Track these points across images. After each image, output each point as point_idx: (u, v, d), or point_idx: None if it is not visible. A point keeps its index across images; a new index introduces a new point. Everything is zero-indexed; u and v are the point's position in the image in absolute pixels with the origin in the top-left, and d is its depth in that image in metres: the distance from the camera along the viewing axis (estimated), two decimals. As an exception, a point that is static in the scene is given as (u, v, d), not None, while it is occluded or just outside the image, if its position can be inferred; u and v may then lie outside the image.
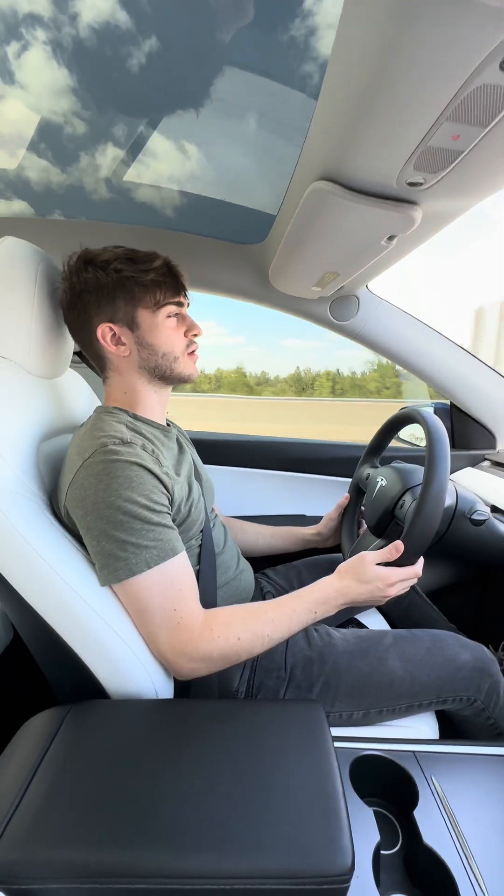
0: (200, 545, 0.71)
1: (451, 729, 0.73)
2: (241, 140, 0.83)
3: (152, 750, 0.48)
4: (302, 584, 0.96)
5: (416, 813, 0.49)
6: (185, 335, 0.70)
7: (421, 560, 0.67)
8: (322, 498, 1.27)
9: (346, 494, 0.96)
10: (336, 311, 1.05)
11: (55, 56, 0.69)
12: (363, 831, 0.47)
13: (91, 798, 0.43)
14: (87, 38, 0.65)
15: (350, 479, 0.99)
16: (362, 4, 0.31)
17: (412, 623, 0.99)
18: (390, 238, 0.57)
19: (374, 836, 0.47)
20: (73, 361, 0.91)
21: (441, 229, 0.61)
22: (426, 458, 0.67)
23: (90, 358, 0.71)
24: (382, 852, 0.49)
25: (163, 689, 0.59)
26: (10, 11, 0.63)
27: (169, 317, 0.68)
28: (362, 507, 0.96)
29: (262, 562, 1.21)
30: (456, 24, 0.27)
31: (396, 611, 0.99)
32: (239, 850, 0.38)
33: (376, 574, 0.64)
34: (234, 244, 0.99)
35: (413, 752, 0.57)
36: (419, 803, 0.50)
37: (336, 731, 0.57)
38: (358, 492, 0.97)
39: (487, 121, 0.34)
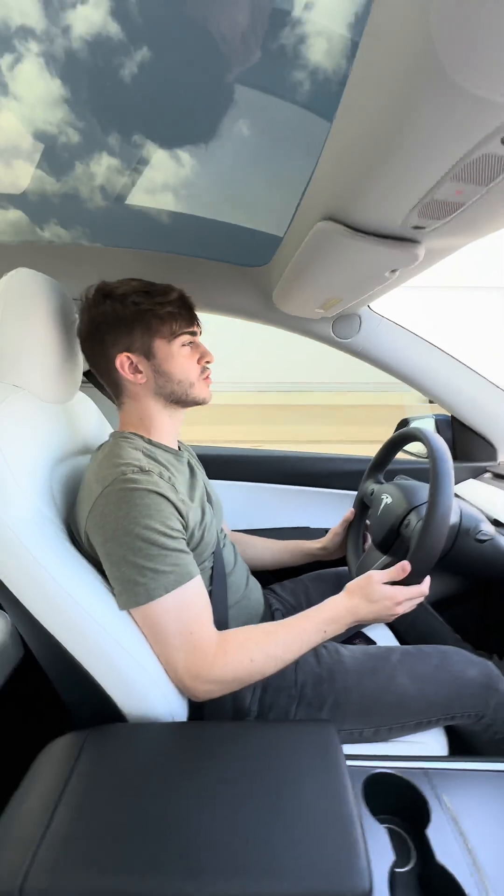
0: (213, 567, 0.73)
1: (460, 743, 0.74)
2: (245, 159, 0.85)
3: (171, 774, 0.50)
4: (309, 599, 0.99)
5: (429, 831, 0.50)
6: (198, 362, 0.73)
7: (427, 579, 0.68)
8: (326, 511, 1.29)
9: (352, 509, 0.98)
10: (338, 329, 1.07)
11: (48, 68, 0.69)
12: (378, 850, 0.48)
13: (115, 825, 0.44)
14: (79, 50, 0.64)
15: (353, 492, 1.00)
16: (368, 81, 0.33)
17: (418, 634, 1.00)
18: (393, 271, 0.60)
19: (389, 856, 0.48)
20: (81, 382, 0.93)
21: (443, 258, 0.63)
22: (430, 478, 0.68)
23: (107, 385, 0.73)
24: (396, 870, 0.51)
25: (178, 711, 0.61)
26: (2, 25, 0.64)
27: (183, 345, 0.71)
28: (367, 522, 0.98)
29: (268, 577, 1.22)
30: (456, 108, 0.29)
31: (402, 623, 1.01)
32: (259, 874, 0.40)
33: (384, 593, 0.66)
34: (238, 267, 1.01)
35: (424, 769, 0.58)
36: (431, 821, 0.51)
37: (347, 749, 0.59)
38: (363, 507, 0.98)
39: (489, 180, 0.37)
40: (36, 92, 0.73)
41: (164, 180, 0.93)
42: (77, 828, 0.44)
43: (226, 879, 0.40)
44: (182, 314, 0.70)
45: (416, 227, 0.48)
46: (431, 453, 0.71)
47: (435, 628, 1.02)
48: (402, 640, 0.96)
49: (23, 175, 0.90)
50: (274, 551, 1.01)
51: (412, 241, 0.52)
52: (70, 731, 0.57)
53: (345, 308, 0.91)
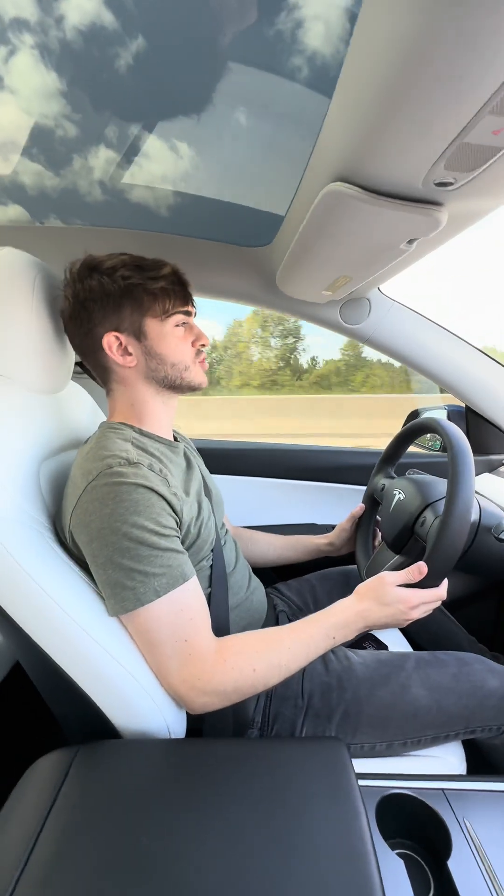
0: (211, 566, 0.68)
1: (478, 757, 0.69)
2: (244, 139, 0.80)
3: (166, 799, 0.45)
4: (315, 599, 0.94)
5: (451, 863, 0.46)
6: (192, 344, 0.67)
7: (445, 582, 0.63)
8: (333, 506, 1.24)
9: (361, 504, 0.92)
10: (346, 314, 1.01)
11: (43, 60, 0.66)
12: (394, 884, 0.44)
13: (101, 858, 0.40)
14: (74, 41, 0.63)
15: (362, 487, 0.95)
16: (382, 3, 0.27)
17: (431, 636, 0.95)
18: (410, 241, 0.53)
19: (406, 890, 0.44)
20: (74, 372, 0.88)
21: (465, 229, 0.57)
22: (449, 473, 0.63)
23: (93, 369, 0.68)
24: (415, 903, 0.46)
25: (175, 726, 0.56)
26: (-3, 17, 0.61)
27: (177, 326, 0.65)
28: (378, 519, 0.92)
29: (272, 576, 1.17)
30: (500, 12, 0.23)
31: (415, 625, 0.95)
32: (264, 922, 0.35)
33: (398, 597, 0.60)
34: (239, 247, 0.95)
35: (442, 789, 0.53)
36: (453, 851, 0.47)
37: (358, 765, 0.54)
38: (373, 503, 0.93)
39: None
40: (31, 84, 0.70)
41: (162, 172, 0.88)
42: (58, 862, 0.39)
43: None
44: (176, 291, 0.64)
45: (441, 185, 0.42)
46: (450, 445, 0.65)
47: (449, 630, 0.97)
48: (413, 643, 0.91)
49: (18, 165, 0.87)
50: (278, 547, 0.96)
51: (434, 204, 0.46)
52: (61, 746, 0.52)
53: (353, 290, 0.84)
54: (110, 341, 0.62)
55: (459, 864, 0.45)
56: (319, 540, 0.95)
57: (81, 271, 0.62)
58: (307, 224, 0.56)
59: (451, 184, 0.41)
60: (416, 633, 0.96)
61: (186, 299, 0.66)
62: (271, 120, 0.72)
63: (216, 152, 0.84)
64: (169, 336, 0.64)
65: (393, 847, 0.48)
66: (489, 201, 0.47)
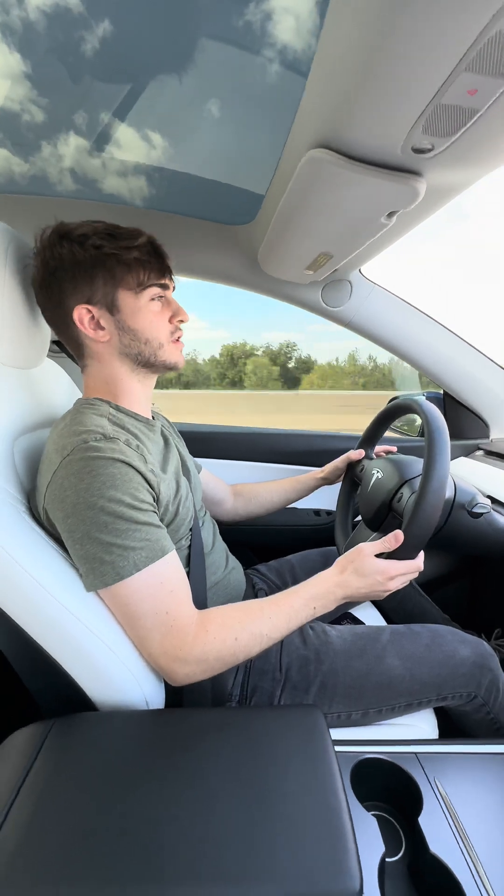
0: (189, 546, 0.68)
1: (450, 724, 0.72)
2: (223, 115, 0.78)
3: (143, 768, 0.45)
4: (295, 578, 0.95)
5: (422, 820, 0.47)
6: (170, 321, 0.65)
7: (421, 554, 0.64)
8: (317, 491, 1.25)
9: (361, 451, 0.92)
10: (328, 296, 1.01)
11: (5, 40, 0.64)
12: (367, 841, 0.45)
13: (77, 827, 0.39)
14: (37, 21, 0.61)
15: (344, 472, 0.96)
16: None
17: (406, 615, 0.98)
18: (390, 215, 0.53)
19: (379, 847, 0.45)
20: (51, 351, 0.85)
21: (442, 206, 0.58)
22: (426, 449, 0.64)
23: (66, 343, 0.65)
24: (387, 860, 0.47)
25: (153, 698, 0.56)
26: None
27: (153, 300, 0.63)
28: (356, 501, 0.94)
29: (252, 556, 1.18)
30: None
31: (391, 603, 0.98)
32: (240, 879, 0.36)
33: (376, 567, 0.61)
34: (220, 225, 0.93)
35: (415, 753, 0.55)
36: (424, 809, 0.48)
37: (335, 733, 0.55)
38: (352, 484, 0.94)
39: None
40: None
41: (140, 148, 0.87)
42: (34, 832, 0.39)
43: (203, 887, 0.35)
44: (151, 262, 0.61)
45: (419, 151, 0.42)
46: (426, 421, 0.66)
47: (424, 608, 0.99)
48: (389, 621, 0.94)
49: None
50: (279, 493, 0.99)
51: (413, 174, 0.46)
52: (36, 721, 0.52)
53: (335, 269, 0.84)
54: (81, 314, 0.60)
55: (430, 821, 0.47)
56: (315, 475, 0.98)
57: (52, 238, 0.59)
58: (289, 194, 0.56)
59: (429, 150, 0.41)
60: (393, 610, 0.98)
61: (163, 271, 0.64)
62: (251, 95, 0.71)
63: (197, 127, 0.83)
64: (144, 310, 0.62)
65: (368, 809, 0.50)
66: (466, 173, 0.47)
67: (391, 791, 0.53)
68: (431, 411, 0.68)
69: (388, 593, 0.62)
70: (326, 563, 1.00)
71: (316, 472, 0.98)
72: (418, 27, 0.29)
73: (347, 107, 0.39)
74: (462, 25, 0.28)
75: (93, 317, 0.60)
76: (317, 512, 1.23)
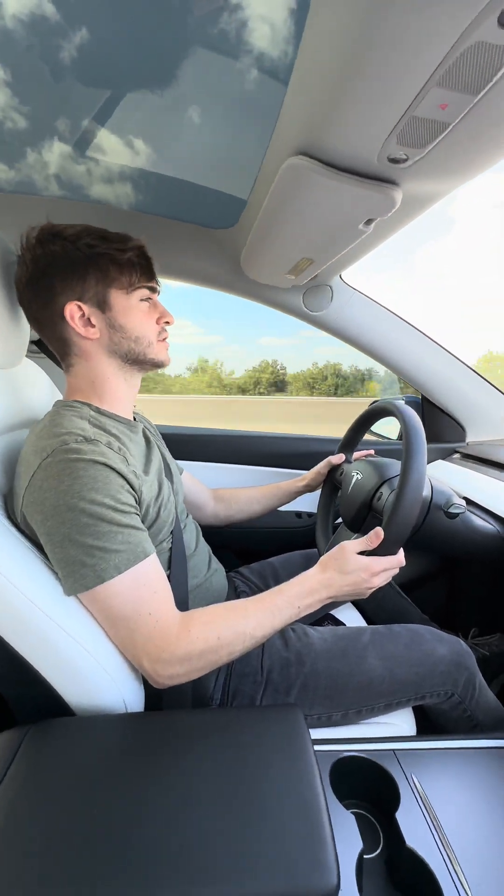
0: (171, 548, 0.67)
1: (428, 722, 0.73)
2: (206, 121, 0.79)
3: (123, 772, 0.45)
4: (277, 581, 0.95)
5: (399, 815, 0.48)
6: (157, 322, 0.66)
7: (402, 550, 0.66)
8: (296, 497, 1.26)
9: (340, 455, 0.94)
10: (309, 301, 1.02)
11: None
12: (345, 838, 0.45)
13: (54, 833, 0.39)
14: (14, 30, 0.61)
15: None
16: None
17: (387, 615, 0.99)
18: (368, 222, 0.55)
19: (357, 843, 0.46)
20: (30, 351, 0.84)
21: (418, 215, 0.59)
22: (403, 448, 0.65)
23: (50, 342, 0.65)
24: (365, 856, 0.48)
25: (133, 701, 0.55)
26: None
27: (142, 300, 0.64)
28: (337, 505, 0.95)
29: (235, 560, 1.18)
30: None
31: (371, 603, 0.99)
32: (220, 878, 0.36)
33: (359, 564, 0.62)
34: (203, 228, 0.94)
35: (393, 750, 0.56)
36: (401, 804, 0.49)
37: (315, 733, 0.56)
38: (332, 488, 0.95)
39: (480, 86, 0.32)
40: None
41: (122, 152, 0.87)
42: (8, 840, 0.38)
43: (183, 886, 0.35)
44: (142, 265, 0.63)
45: (394, 161, 0.43)
46: (403, 423, 0.68)
47: (404, 609, 1.01)
48: (370, 622, 0.94)
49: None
50: (260, 500, 0.99)
51: (389, 183, 0.47)
52: (10, 727, 0.50)
53: (315, 275, 0.86)
54: (72, 311, 0.60)
55: (407, 816, 0.48)
56: (298, 483, 0.98)
57: (43, 236, 0.60)
58: (270, 199, 0.57)
59: (404, 160, 0.43)
60: (373, 611, 0.99)
61: (152, 275, 0.65)
62: (234, 100, 0.72)
63: (178, 133, 0.83)
64: (134, 309, 0.63)
65: (347, 807, 0.50)
66: (441, 183, 0.49)
67: (370, 788, 0.54)
68: (408, 413, 0.69)
69: (371, 590, 0.63)
70: (309, 564, 1.00)
71: (297, 481, 0.98)
72: (393, 41, 0.31)
73: (325, 115, 0.40)
74: (433, 42, 0.29)
75: (83, 314, 0.61)
76: (299, 514, 1.24)
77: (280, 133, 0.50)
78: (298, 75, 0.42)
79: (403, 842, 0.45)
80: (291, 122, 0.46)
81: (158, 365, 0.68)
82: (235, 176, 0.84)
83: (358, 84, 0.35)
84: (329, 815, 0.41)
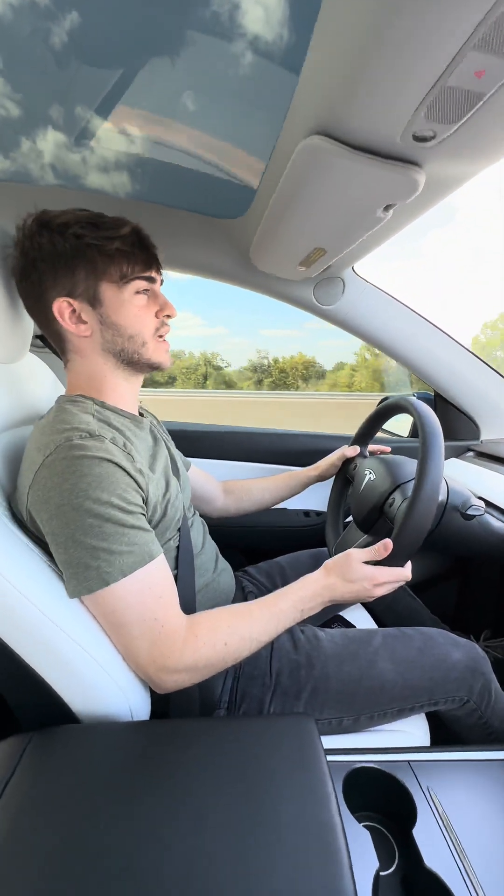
0: (178, 546, 0.65)
1: (442, 729, 0.71)
2: (213, 106, 0.76)
3: (128, 784, 0.43)
4: (285, 580, 0.93)
5: (416, 832, 0.46)
6: (156, 315, 0.62)
7: (409, 563, 0.63)
8: (307, 491, 1.23)
9: (355, 447, 0.91)
10: (320, 294, 0.99)
11: None
12: (360, 855, 0.44)
13: (56, 849, 0.37)
14: (3, 14, 0.58)
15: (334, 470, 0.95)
16: None
17: (396, 616, 0.97)
18: (386, 208, 0.52)
19: (373, 861, 0.44)
20: (35, 346, 0.82)
21: (439, 201, 0.56)
22: (419, 453, 0.63)
23: (49, 338, 0.63)
24: (381, 874, 0.46)
25: (139, 708, 0.54)
26: None
27: (138, 293, 0.60)
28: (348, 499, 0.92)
29: (242, 559, 1.16)
30: None
31: (380, 605, 0.97)
32: (229, 902, 0.34)
33: (363, 574, 0.60)
34: (211, 218, 0.91)
35: (407, 760, 0.54)
36: (418, 820, 0.47)
37: (326, 741, 0.54)
38: (344, 482, 0.93)
39: None
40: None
41: (127, 140, 0.84)
42: (9, 855, 0.36)
43: (186, 909, 0.33)
44: (136, 254, 0.58)
45: (420, 140, 0.40)
46: (421, 425, 0.65)
47: (414, 610, 0.98)
48: (379, 623, 0.92)
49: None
50: (272, 490, 0.97)
51: (412, 164, 0.44)
52: (14, 734, 0.49)
53: (328, 266, 0.83)
54: (61, 307, 0.57)
55: (424, 832, 0.46)
56: (310, 472, 0.95)
57: (32, 226, 0.56)
58: (283, 184, 0.54)
59: (430, 138, 0.40)
60: (382, 612, 0.97)
61: (149, 263, 0.60)
62: (242, 83, 0.69)
63: (185, 120, 0.80)
64: (128, 304, 0.59)
65: (360, 820, 0.48)
66: (466, 165, 0.46)
67: (384, 800, 0.52)
68: (426, 414, 0.66)
69: (373, 599, 0.62)
70: (316, 564, 0.98)
71: (309, 470, 0.96)
72: (423, 4, 0.28)
73: (346, 91, 0.37)
74: (471, 1, 0.26)
75: (74, 310, 0.58)
76: (306, 513, 1.21)
77: (295, 112, 0.47)
78: (317, 47, 0.39)
79: (422, 861, 0.43)
80: (307, 101, 0.43)
81: (155, 367, 0.64)
82: (245, 163, 0.81)
83: (385, 52, 0.32)
84: (346, 836, 0.39)
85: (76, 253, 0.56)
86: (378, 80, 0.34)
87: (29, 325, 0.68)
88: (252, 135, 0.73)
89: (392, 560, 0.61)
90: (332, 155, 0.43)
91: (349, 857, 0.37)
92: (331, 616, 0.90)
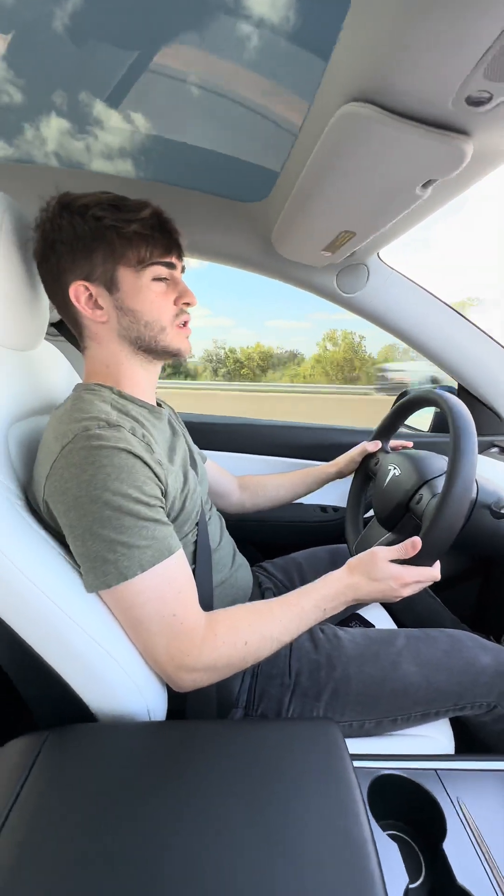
0: (195, 541, 0.64)
1: (466, 735, 0.68)
2: (237, 86, 0.72)
3: (146, 788, 0.41)
4: (302, 577, 0.91)
5: (446, 846, 0.44)
6: (175, 303, 0.60)
7: (437, 562, 0.60)
8: (325, 486, 1.21)
9: (376, 442, 0.87)
10: (343, 282, 0.95)
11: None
12: (389, 869, 0.41)
13: (73, 853, 0.36)
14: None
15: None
16: None
17: (415, 616, 0.94)
18: (426, 185, 0.48)
19: (402, 876, 0.42)
20: (49, 334, 0.80)
21: (479, 179, 0.52)
22: (451, 448, 0.60)
23: (67, 323, 0.61)
24: (409, 886, 0.44)
25: (156, 707, 0.52)
26: None
27: (156, 279, 0.57)
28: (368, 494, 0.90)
29: (258, 554, 1.14)
30: None
31: (399, 603, 0.94)
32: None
33: (390, 573, 0.58)
34: (231, 201, 0.87)
35: (434, 769, 0.51)
36: (448, 833, 0.45)
37: (348, 745, 0.52)
38: (365, 478, 0.90)
39: None
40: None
41: (145, 120, 0.81)
42: (26, 859, 0.35)
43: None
44: (156, 238, 0.56)
45: (475, 103, 0.36)
46: (452, 419, 0.62)
47: (433, 610, 0.96)
48: (398, 622, 0.90)
49: None
50: (287, 487, 0.94)
51: (461, 133, 0.41)
52: (30, 731, 0.48)
53: (352, 253, 0.79)
54: (78, 292, 0.55)
55: (455, 847, 0.43)
56: (328, 468, 0.92)
57: (54, 209, 0.55)
58: (314, 159, 0.50)
59: (486, 100, 0.36)
60: (401, 611, 0.95)
61: (169, 248, 0.58)
62: (269, 58, 0.65)
63: (206, 100, 0.77)
64: (145, 290, 0.56)
65: (383, 829, 0.46)
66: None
67: (409, 810, 0.49)
68: (458, 408, 0.63)
69: (398, 599, 0.59)
70: (334, 561, 0.97)
71: (327, 466, 0.93)
72: None
73: (395, 49, 0.34)
74: None
75: (90, 295, 0.56)
76: (323, 508, 1.19)
77: (332, 79, 0.44)
78: (359, 4, 0.35)
79: (454, 879, 0.41)
80: (346, 65, 0.40)
81: (174, 355, 0.61)
82: (269, 142, 0.77)
83: (442, 2, 0.28)
84: (377, 850, 0.37)
85: (95, 235, 0.54)
86: (436, 33, 0.31)
87: (45, 313, 0.66)
88: (278, 111, 0.69)
89: (420, 559, 0.58)
90: (374, 123, 0.39)
91: (381, 872, 0.35)
92: (348, 614, 0.87)
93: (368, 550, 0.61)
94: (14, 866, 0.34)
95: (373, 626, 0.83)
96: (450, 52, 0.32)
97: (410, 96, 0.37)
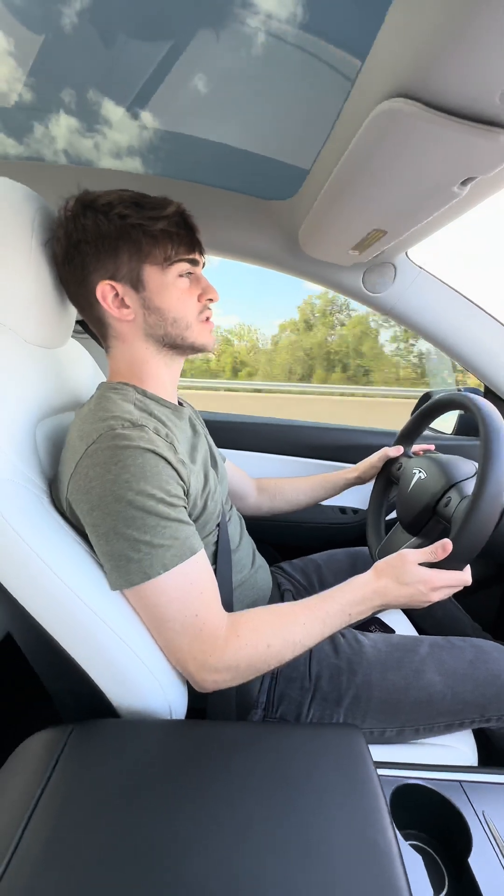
0: (216, 542, 0.64)
1: (489, 746, 0.67)
2: (266, 85, 0.71)
3: (168, 785, 0.41)
4: (321, 579, 0.90)
5: (472, 861, 0.43)
6: (198, 299, 0.60)
7: (468, 566, 0.59)
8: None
9: (398, 447, 0.86)
10: (369, 281, 0.94)
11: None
12: (414, 882, 0.41)
13: (96, 851, 0.36)
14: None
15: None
16: None
17: (435, 622, 0.93)
18: (465, 182, 0.47)
19: (427, 889, 0.41)
20: (75, 331, 0.81)
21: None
22: (481, 451, 0.58)
23: (90, 323, 0.61)
24: (431, 899, 0.43)
25: (177, 705, 0.52)
26: None
27: (181, 276, 0.57)
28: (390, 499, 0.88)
29: (276, 555, 1.14)
30: None
31: (418, 609, 0.93)
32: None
33: (419, 577, 0.57)
34: (257, 199, 0.87)
35: (459, 781, 0.50)
36: (474, 847, 0.44)
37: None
38: (387, 482, 0.88)
39: None
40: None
41: (169, 115, 0.81)
42: (50, 851, 0.36)
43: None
44: (181, 235, 0.56)
45: None
46: (483, 422, 0.61)
47: (454, 616, 0.94)
48: (417, 627, 0.88)
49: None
50: (306, 491, 0.93)
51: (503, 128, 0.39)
52: (54, 724, 0.48)
53: (381, 252, 0.78)
54: (105, 291, 0.55)
55: (481, 862, 0.42)
56: (348, 474, 0.91)
57: (76, 208, 0.55)
58: (348, 157, 0.49)
59: None
60: (421, 617, 0.93)
61: (193, 245, 0.58)
62: (305, 52, 0.64)
63: (230, 97, 0.76)
64: (171, 287, 0.57)
65: (405, 839, 0.46)
66: None
67: (432, 821, 0.49)
68: (489, 410, 0.62)
69: (428, 604, 0.58)
70: (353, 564, 0.96)
71: (347, 472, 0.91)
72: None
73: (442, 43, 0.33)
74: None
75: (117, 294, 0.56)
76: (343, 510, 1.18)
77: (370, 74, 0.43)
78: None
79: (479, 894, 0.40)
80: (386, 61, 0.39)
81: (199, 349, 0.62)
82: (298, 142, 0.76)
83: None
84: (403, 863, 0.36)
85: (121, 234, 0.54)
86: (486, 26, 0.30)
87: (73, 311, 0.67)
88: (309, 108, 0.68)
89: (450, 562, 0.57)
90: (415, 119, 0.38)
91: (409, 887, 0.34)
92: (368, 619, 0.86)
93: (397, 553, 0.60)
94: (42, 859, 0.35)
95: (393, 630, 0.82)
96: (499, 44, 0.31)
97: (454, 91, 0.36)
